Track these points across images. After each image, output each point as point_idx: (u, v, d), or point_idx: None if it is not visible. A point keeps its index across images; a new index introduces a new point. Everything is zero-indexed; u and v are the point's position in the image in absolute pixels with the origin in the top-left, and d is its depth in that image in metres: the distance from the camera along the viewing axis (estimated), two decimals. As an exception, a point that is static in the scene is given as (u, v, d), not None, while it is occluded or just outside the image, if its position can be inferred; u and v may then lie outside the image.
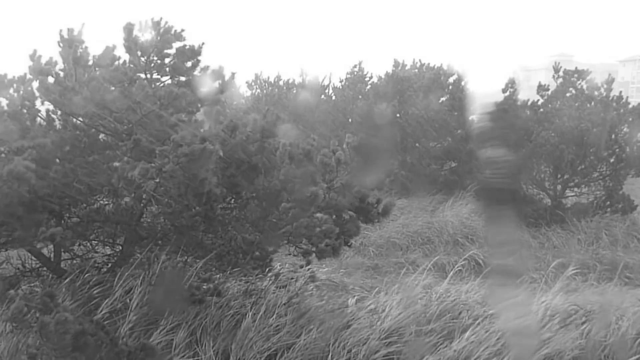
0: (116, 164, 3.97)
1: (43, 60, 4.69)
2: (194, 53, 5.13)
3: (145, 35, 4.96)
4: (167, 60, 5.07)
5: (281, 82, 15.18)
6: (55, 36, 4.86)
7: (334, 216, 4.38)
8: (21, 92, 4.63)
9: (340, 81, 14.75)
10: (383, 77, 13.72)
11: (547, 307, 4.81)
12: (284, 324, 4.21)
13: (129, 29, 4.88)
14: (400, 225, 8.85)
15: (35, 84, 4.68)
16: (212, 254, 4.32)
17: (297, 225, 3.99)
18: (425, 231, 8.78)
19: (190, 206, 4.00)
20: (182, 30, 5.13)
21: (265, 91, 15.16)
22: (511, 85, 10.59)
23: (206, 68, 5.20)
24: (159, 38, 4.95)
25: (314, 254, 4.35)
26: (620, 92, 10.47)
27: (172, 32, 5.05)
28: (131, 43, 4.87)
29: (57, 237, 3.70)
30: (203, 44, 5.27)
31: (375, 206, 4.55)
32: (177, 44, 5.17)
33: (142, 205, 4.22)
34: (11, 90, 4.72)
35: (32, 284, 4.67)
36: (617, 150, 9.71)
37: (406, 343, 4.21)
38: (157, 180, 3.62)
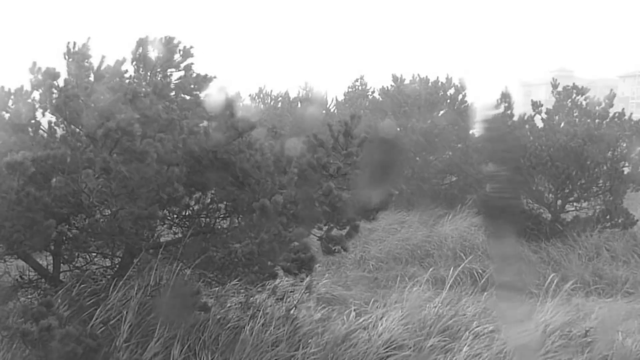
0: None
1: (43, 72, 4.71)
2: (204, 80, 5.26)
3: (154, 52, 5.05)
4: (173, 79, 5.17)
5: (284, 96, 15.28)
6: (48, 47, 4.93)
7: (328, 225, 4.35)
8: (21, 103, 4.65)
9: (343, 95, 14.87)
10: (384, 91, 13.80)
11: (548, 323, 4.78)
12: (282, 337, 4.19)
13: (140, 44, 4.96)
14: (401, 239, 8.84)
15: (34, 95, 4.71)
16: (209, 265, 4.30)
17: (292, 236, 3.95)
18: (425, 245, 8.77)
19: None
20: (191, 47, 5.27)
21: (268, 105, 15.24)
22: (504, 99, 10.60)
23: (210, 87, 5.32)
24: (166, 55, 5.05)
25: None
26: (623, 109, 10.54)
27: (180, 47, 5.16)
28: (140, 60, 4.94)
29: (52, 233, 3.65)
30: (214, 76, 5.44)
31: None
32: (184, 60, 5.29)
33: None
34: (10, 102, 4.74)
35: (31, 296, 4.65)
36: (617, 165, 9.73)
37: (405, 357, 4.18)
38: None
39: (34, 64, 4.70)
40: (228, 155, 3.88)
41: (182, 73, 5.55)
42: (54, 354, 2.86)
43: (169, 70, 5.49)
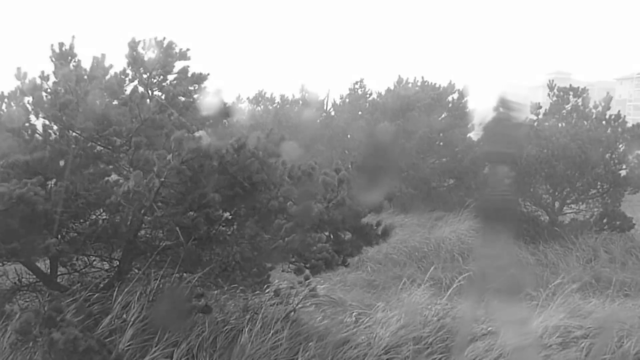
0: (112, 178, 3.97)
1: (34, 75, 4.69)
2: (200, 78, 5.27)
3: (149, 53, 5.03)
4: (169, 78, 5.15)
5: (282, 99, 15.26)
6: (44, 48, 4.89)
7: (332, 235, 4.36)
8: (14, 107, 4.63)
9: (341, 98, 14.89)
10: (384, 93, 13.84)
11: (547, 325, 4.79)
12: (281, 340, 4.18)
13: (132, 45, 4.94)
14: (399, 241, 8.84)
15: (27, 99, 4.69)
16: (208, 269, 4.30)
17: (289, 241, 3.98)
18: (423, 247, 8.78)
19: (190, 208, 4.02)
20: (188, 50, 5.27)
21: (267, 108, 15.22)
22: (501, 103, 10.62)
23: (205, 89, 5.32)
24: (161, 56, 5.03)
25: (307, 270, 4.30)
26: (619, 111, 10.54)
27: (176, 50, 5.15)
28: (134, 59, 4.93)
29: (53, 249, 3.68)
30: (208, 73, 5.45)
31: (375, 228, 4.50)
32: (180, 63, 5.28)
33: (140, 216, 4.20)
34: (3, 106, 4.72)
35: (28, 300, 4.63)
36: (614, 167, 9.75)
37: (405, 359, 4.18)
38: (156, 187, 3.59)
39: (19, 69, 4.67)
40: (240, 171, 3.98)
41: (176, 75, 5.55)
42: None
43: (164, 72, 5.47)
